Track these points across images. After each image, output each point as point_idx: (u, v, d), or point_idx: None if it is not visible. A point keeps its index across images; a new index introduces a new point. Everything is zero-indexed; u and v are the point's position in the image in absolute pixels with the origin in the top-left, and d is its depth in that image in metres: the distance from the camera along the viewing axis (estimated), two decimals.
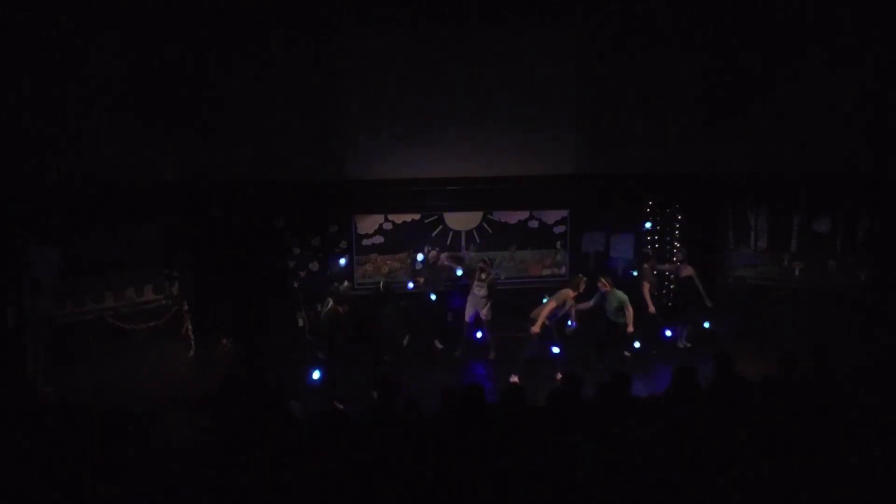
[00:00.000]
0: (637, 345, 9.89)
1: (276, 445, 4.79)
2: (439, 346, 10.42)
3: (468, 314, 10.15)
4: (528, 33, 10.46)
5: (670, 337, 10.41)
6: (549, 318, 9.15)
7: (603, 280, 9.48)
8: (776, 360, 5.99)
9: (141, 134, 9.35)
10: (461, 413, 5.07)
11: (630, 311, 9.31)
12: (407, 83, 10.49)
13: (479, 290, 10.03)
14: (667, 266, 11.19)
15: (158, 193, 9.91)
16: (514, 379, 9.02)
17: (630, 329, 9.31)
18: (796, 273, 10.98)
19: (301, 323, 10.92)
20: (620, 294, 9.40)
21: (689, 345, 10.43)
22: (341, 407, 8.05)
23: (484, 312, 10.01)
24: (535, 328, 9.06)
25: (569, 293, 9.29)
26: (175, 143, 9.57)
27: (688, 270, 10.46)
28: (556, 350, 9.30)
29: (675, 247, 11.55)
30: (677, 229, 11.72)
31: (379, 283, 10.08)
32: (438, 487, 4.28)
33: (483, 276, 10.04)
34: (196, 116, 9.57)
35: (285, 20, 9.77)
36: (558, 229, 11.98)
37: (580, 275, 9.68)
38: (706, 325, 10.59)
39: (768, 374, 6.04)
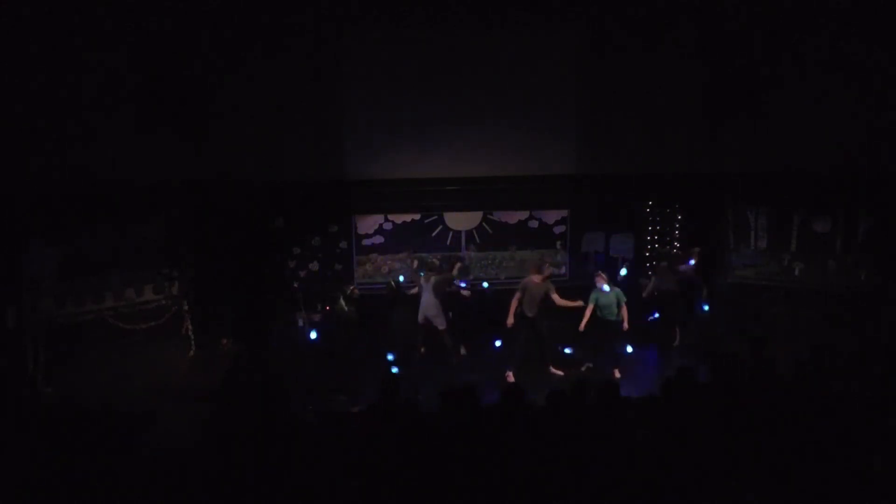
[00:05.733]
0: (630, 349, 9.81)
1: (276, 445, 4.80)
2: (463, 352, 10.30)
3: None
4: (528, 33, 10.46)
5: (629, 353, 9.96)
6: (520, 307, 9.18)
7: (601, 275, 9.46)
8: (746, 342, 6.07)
9: (141, 134, 9.35)
10: (459, 413, 5.07)
11: (625, 309, 9.31)
12: (407, 83, 10.50)
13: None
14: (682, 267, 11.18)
15: (158, 193, 9.91)
16: (510, 376, 9.03)
17: (626, 326, 9.31)
18: (796, 273, 10.97)
19: (301, 323, 10.92)
20: (617, 291, 9.39)
21: (676, 343, 10.43)
22: (343, 398, 8.10)
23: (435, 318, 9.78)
24: (510, 320, 9.14)
25: (531, 279, 9.24)
26: (175, 143, 9.57)
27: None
28: (497, 343, 9.37)
29: (675, 247, 11.55)
30: (677, 229, 11.72)
31: (390, 281, 10.20)
32: (438, 487, 4.29)
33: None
34: (196, 116, 9.58)
35: (285, 20, 9.78)
36: (558, 229, 11.98)
37: (541, 256, 9.66)
38: (705, 307, 10.44)
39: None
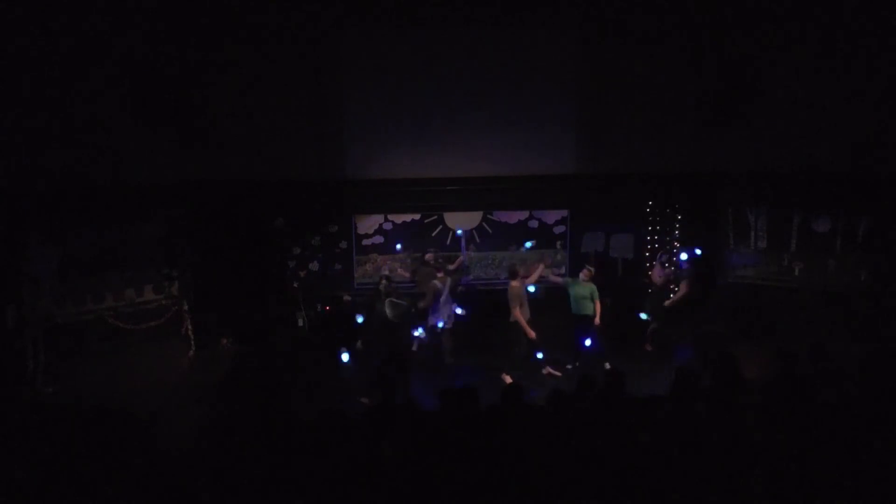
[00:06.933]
0: (539, 355, 9.55)
1: (277, 444, 4.79)
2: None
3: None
4: (528, 33, 10.46)
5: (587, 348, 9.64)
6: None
7: (589, 269, 9.50)
8: (774, 357, 6.01)
9: (141, 134, 9.36)
10: (458, 413, 5.07)
11: (598, 304, 9.34)
12: (407, 83, 10.50)
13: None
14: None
15: (158, 193, 9.92)
16: (507, 379, 9.02)
17: (597, 321, 9.32)
18: (796, 273, 10.97)
19: (301, 323, 10.93)
20: (592, 286, 9.43)
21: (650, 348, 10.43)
22: (366, 401, 8.08)
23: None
24: (531, 334, 9.12)
25: (515, 284, 9.30)
26: (175, 144, 9.58)
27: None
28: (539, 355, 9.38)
29: (674, 246, 11.56)
30: (677, 229, 11.71)
31: (380, 278, 10.27)
32: (438, 487, 4.29)
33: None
34: (196, 116, 9.58)
35: (285, 20, 9.78)
36: (558, 229, 11.98)
37: (514, 263, 10.13)
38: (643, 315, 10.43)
39: (768, 373, 6.05)
